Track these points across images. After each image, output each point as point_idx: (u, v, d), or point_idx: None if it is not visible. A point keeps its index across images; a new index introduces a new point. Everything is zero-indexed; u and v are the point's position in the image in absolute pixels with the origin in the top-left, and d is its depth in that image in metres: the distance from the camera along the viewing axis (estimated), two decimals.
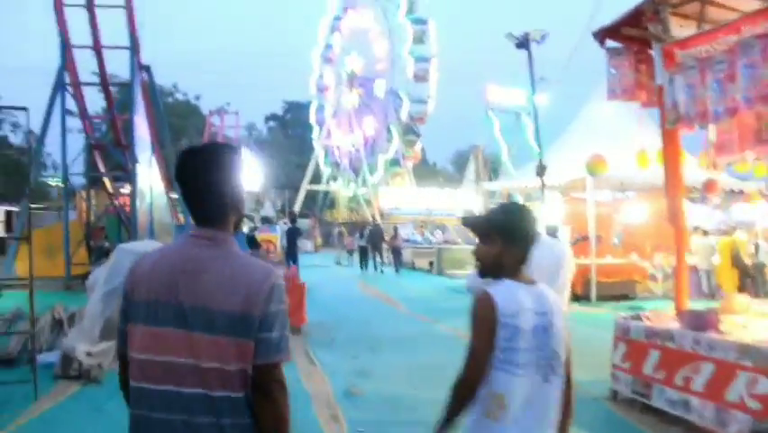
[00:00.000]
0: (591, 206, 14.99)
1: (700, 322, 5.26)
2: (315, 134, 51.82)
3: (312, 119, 52.61)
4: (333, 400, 6.29)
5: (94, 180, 18.31)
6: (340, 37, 48.97)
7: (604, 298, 14.40)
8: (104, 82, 16.39)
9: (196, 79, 78.18)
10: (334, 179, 50.51)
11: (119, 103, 17.47)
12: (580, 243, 15.97)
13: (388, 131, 43.77)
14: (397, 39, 43.15)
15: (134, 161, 15.55)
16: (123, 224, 17.23)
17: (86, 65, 16.27)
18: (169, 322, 1.76)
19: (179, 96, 59.70)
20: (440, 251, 24.40)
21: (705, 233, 15.83)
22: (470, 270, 18.29)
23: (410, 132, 44.43)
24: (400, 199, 40.73)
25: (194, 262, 1.80)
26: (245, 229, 17.96)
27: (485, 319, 2.21)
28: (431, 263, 24.17)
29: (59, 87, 15.28)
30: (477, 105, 40.98)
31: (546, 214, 15.20)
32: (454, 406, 2.27)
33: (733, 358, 4.81)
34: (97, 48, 15.46)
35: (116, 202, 17.97)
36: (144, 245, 8.55)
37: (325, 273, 22.32)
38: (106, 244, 18.58)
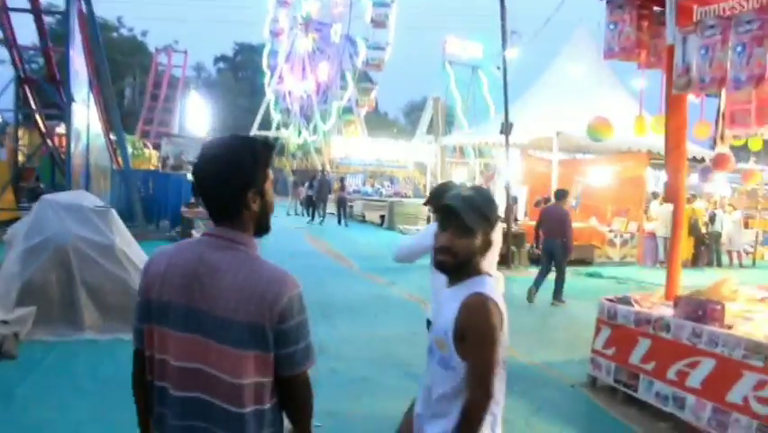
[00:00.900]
0: (556, 167, 14.55)
1: (700, 312, 4.74)
2: (266, 80, 49.99)
3: (264, 64, 50.68)
4: None
5: (26, 117, 16.97)
6: None
7: None
8: (35, 8, 14.79)
9: (142, 13, 74.11)
10: (285, 125, 48.98)
11: (54, 35, 15.92)
12: (541, 205, 15.60)
13: (343, 78, 42.32)
14: None
15: (69, 98, 14.22)
16: (58, 165, 15.98)
17: None
18: (181, 326, 1.71)
19: (124, 32, 56.67)
20: (392, 204, 23.94)
21: (665, 199, 15.65)
22: (420, 228, 17.93)
23: (365, 79, 43.15)
24: (352, 149, 39.77)
25: (208, 266, 1.72)
26: (190, 177, 16.95)
27: (497, 331, 1.96)
28: (382, 217, 23.80)
29: None
30: (432, 55, 40.02)
31: (510, 173, 14.73)
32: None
33: (739, 356, 4.32)
34: None
35: (50, 142, 16.61)
36: (72, 196, 7.55)
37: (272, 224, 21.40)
38: (41, 186, 17.40)
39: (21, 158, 17.65)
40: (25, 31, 15.33)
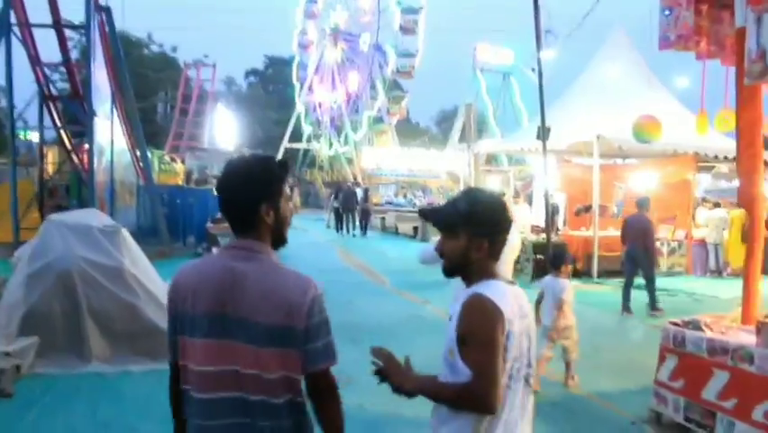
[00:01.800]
0: (597, 173, 13.73)
1: None
2: (296, 93, 49.82)
3: (294, 77, 50.58)
4: None
5: (51, 135, 16.77)
6: None
7: (605, 273, 13.31)
8: (56, 22, 14.61)
9: (172, 29, 74.93)
10: (316, 138, 48.73)
11: (76, 50, 15.75)
12: (582, 214, 14.81)
13: (373, 87, 41.87)
14: None
15: (91, 112, 13.99)
16: (83, 182, 15.73)
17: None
18: (216, 334, 1.83)
19: (155, 48, 57.10)
20: None
21: (716, 204, 14.71)
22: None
23: (396, 87, 42.66)
24: (383, 159, 39.14)
25: (237, 275, 1.84)
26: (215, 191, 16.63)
27: (493, 331, 1.90)
28: (415, 229, 23.12)
29: (3, 27, 13.50)
30: (463, 63, 39.34)
31: (549, 181, 13.96)
32: (445, 402, 2.01)
33: None
34: None
35: (75, 158, 16.39)
36: (80, 215, 7.07)
37: (303, 238, 20.90)
38: (64, 204, 17.17)
39: (47, 176, 17.48)
40: (47, 47, 15.19)
